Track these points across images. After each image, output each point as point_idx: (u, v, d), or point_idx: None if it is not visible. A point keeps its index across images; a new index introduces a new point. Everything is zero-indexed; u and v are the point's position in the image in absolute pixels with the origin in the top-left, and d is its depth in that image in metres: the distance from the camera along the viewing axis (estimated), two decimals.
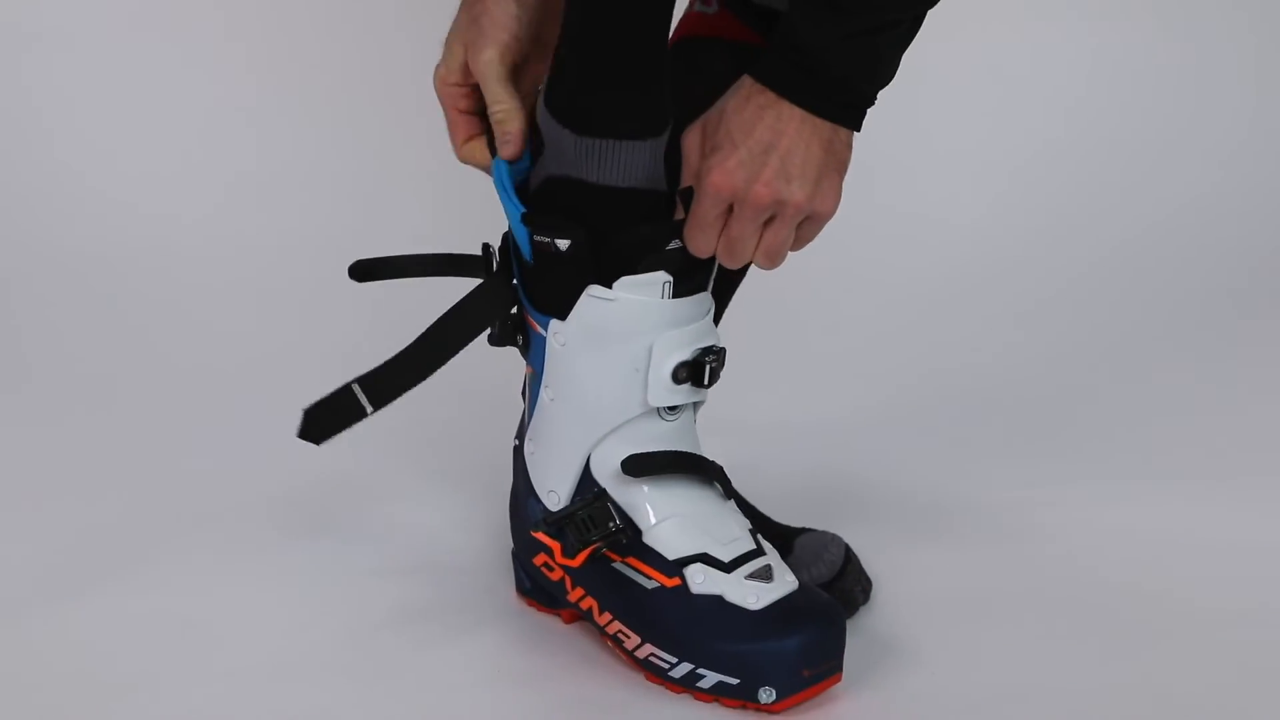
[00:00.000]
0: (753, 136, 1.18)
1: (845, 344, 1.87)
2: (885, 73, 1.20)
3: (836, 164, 1.20)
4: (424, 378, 1.30)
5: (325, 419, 1.32)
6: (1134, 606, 1.38)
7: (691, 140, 1.23)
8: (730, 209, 1.20)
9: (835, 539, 1.38)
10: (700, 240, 1.22)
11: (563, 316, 1.25)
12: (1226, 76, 2.19)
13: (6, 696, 1.24)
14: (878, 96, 1.21)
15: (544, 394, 1.30)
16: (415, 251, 1.34)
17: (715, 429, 1.33)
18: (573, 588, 1.30)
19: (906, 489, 1.57)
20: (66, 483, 1.58)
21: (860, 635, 1.29)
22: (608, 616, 1.27)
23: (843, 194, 1.21)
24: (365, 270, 1.34)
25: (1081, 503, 1.55)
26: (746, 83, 1.20)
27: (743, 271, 1.35)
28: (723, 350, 1.27)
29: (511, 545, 1.38)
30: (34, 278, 1.95)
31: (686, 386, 1.25)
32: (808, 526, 1.39)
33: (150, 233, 1.99)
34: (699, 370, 1.26)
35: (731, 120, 1.19)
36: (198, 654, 1.30)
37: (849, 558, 1.37)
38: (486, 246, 1.31)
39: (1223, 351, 1.92)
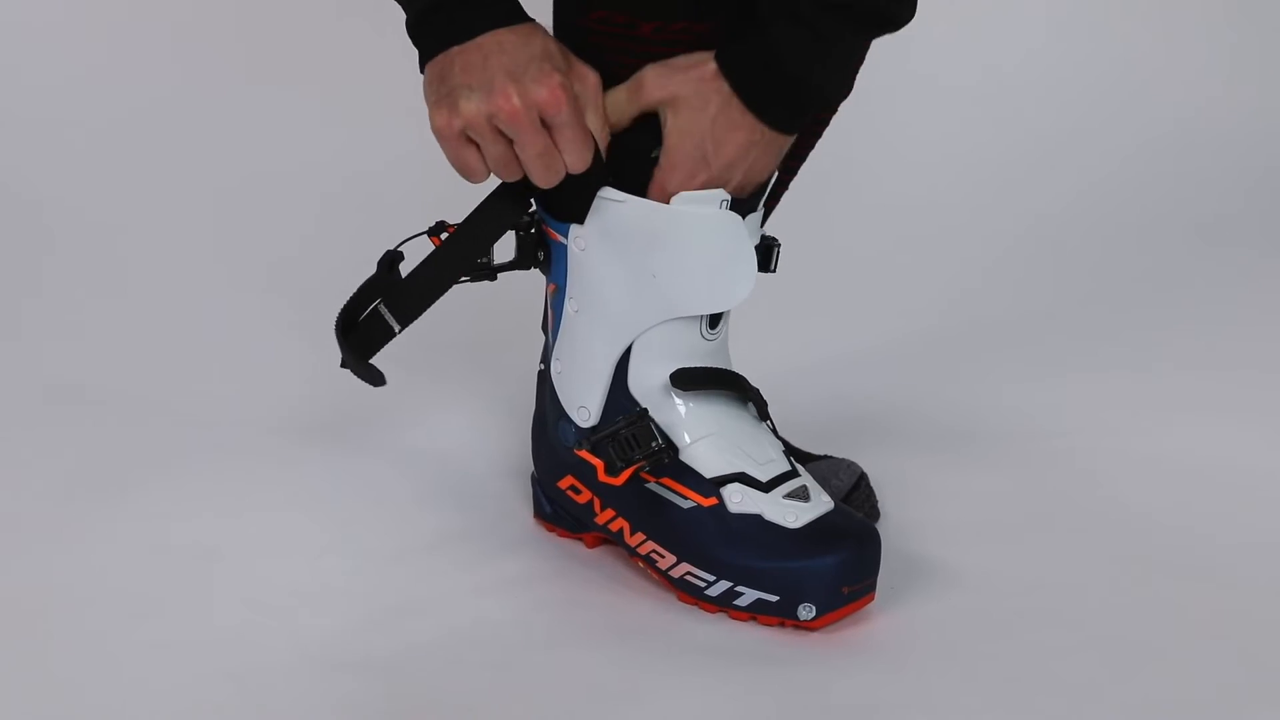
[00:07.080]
0: None
1: (866, 274, 1.87)
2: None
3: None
4: (445, 289, 1.29)
5: (360, 344, 1.32)
6: (1154, 531, 1.39)
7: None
8: None
9: (850, 466, 1.39)
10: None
11: (581, 221, 1.25)
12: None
13: (29, 622, 1.23)
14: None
15: (568, 307, 1.29)
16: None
17: (735, 362, 1.32)
18: (602, 510, 1.30)
19: (928, 416, 1.58)
20: (88, 410, 1.55)
21: (885, 557, 1.29)
22: (640, 537, 1.27)
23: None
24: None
25: (1104, 429, 1.57)
26: None
27: (784, 185, 1.36)
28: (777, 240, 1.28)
29: (531, 470, 1.38)
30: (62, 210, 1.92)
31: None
32: (828, 454, 1.40)
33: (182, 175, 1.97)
34: (768, 254, 1.27)
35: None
36: (217, 581, 1.29)
37: (859, 485, 1.38)
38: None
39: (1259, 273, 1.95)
